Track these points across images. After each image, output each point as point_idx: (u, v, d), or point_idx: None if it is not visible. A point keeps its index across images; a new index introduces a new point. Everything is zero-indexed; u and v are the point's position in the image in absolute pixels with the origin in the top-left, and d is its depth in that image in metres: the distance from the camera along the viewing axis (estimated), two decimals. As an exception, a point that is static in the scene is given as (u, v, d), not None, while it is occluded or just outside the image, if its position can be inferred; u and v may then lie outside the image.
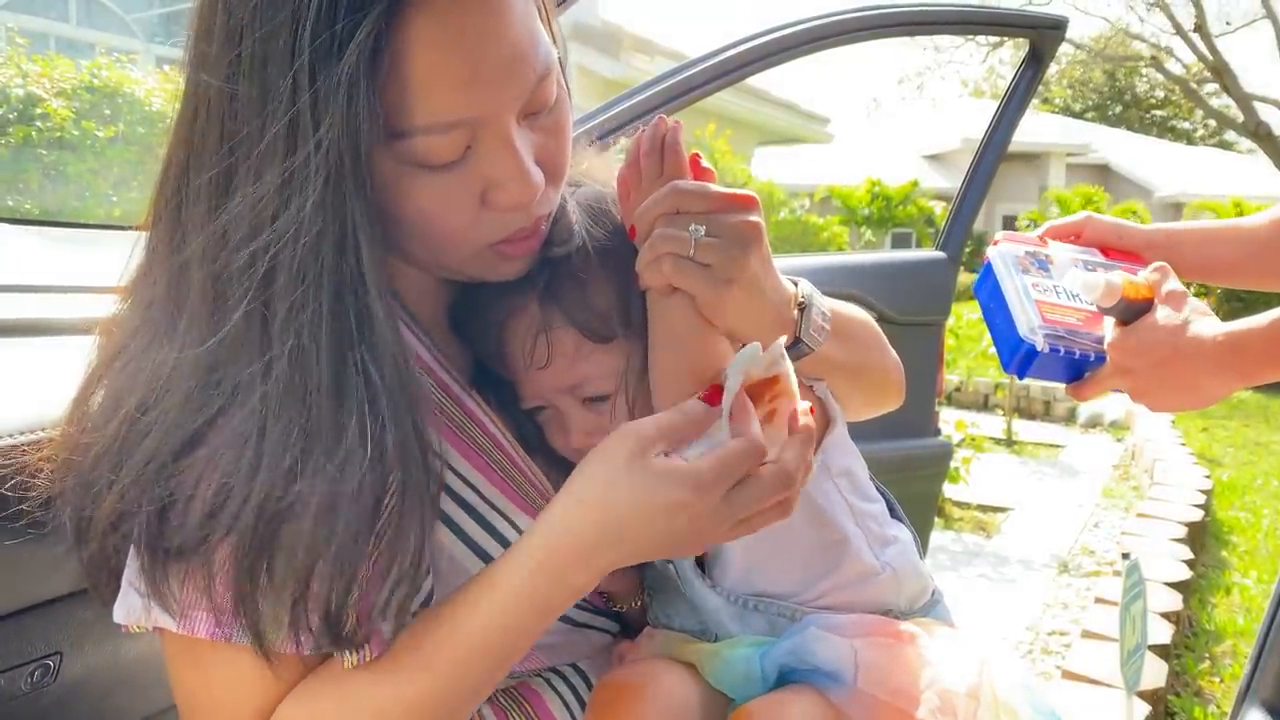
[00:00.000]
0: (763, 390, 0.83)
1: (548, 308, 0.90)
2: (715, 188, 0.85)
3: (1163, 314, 1.11)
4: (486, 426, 0.92)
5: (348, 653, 0.76)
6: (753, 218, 0.86)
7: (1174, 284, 1.14)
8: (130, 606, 0.78)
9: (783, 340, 0.84)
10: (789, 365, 0.83)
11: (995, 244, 1.28)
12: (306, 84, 0.68)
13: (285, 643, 0.74)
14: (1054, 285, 1.23)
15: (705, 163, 0.90)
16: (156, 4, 9.73)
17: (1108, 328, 1.17)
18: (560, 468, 0.95)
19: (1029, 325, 1.15)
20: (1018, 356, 1.16)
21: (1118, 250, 1.32)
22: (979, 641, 1.00)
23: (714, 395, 0.81)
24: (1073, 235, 1.34)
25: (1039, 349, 1.14)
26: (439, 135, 0.74)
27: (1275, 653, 1.05)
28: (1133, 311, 1.13)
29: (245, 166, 0.71)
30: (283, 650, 0.74)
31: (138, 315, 0.79)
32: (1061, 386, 1.22)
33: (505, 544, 0.88)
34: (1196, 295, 1.13)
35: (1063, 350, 1.15)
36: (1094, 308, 1.21)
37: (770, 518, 0.80)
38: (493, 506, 0.89)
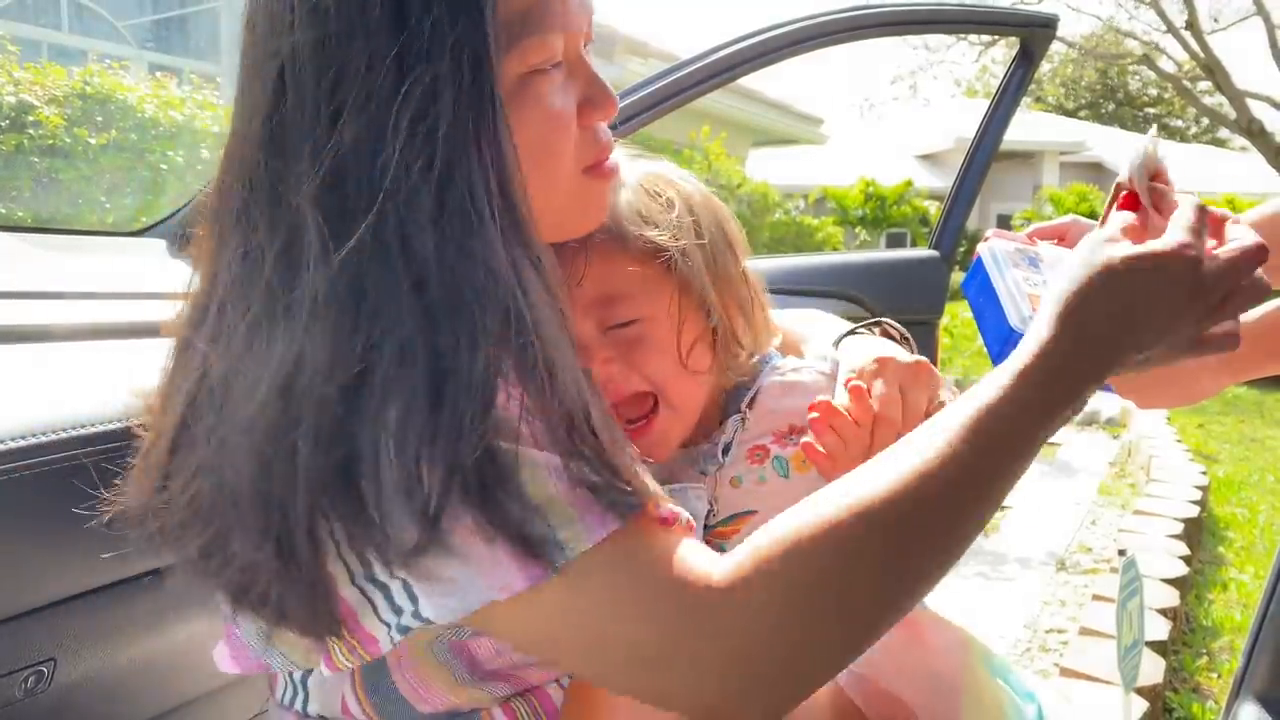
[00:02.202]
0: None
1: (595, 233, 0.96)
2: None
3: None
4: None
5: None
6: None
7: None
8: (513, 567, 0.70)
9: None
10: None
11: (986, 240, 1.28)
12: None
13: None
14: (1044, 281, 1.23)
15: None
16: (149, 10, 9.72)
17: None
18: None
19: (1020, 316, 1.15)
20: (1008, 347, 1.16)
21: None
22: (960, 625, 1.02)
23: (1130, 202, 0.90)
24: (1057, 237, 1.35)
25: None
26: (551, 34, 0.78)
27: (1268, 645, 1.05)
28: None
29: (362, 96, 0.69)
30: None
31: (234, 295, 0.75)
32: None
33: None
34: None
35: None
36: None
37: (1239, 305, 0.81)
38: None
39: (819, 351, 1.10)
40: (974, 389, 0.76)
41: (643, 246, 0.97)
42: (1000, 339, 1.17)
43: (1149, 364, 0.81)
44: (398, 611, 0.73)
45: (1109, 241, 0.81)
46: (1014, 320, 1.16)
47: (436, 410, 0.67)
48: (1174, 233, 0.80)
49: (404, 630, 0.73)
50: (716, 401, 1.09)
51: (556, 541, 0.69)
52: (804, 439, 0.97)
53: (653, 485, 0.75)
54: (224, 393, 0.73)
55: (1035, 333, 0.79)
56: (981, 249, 1.26)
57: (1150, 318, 0.78)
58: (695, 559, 0.72)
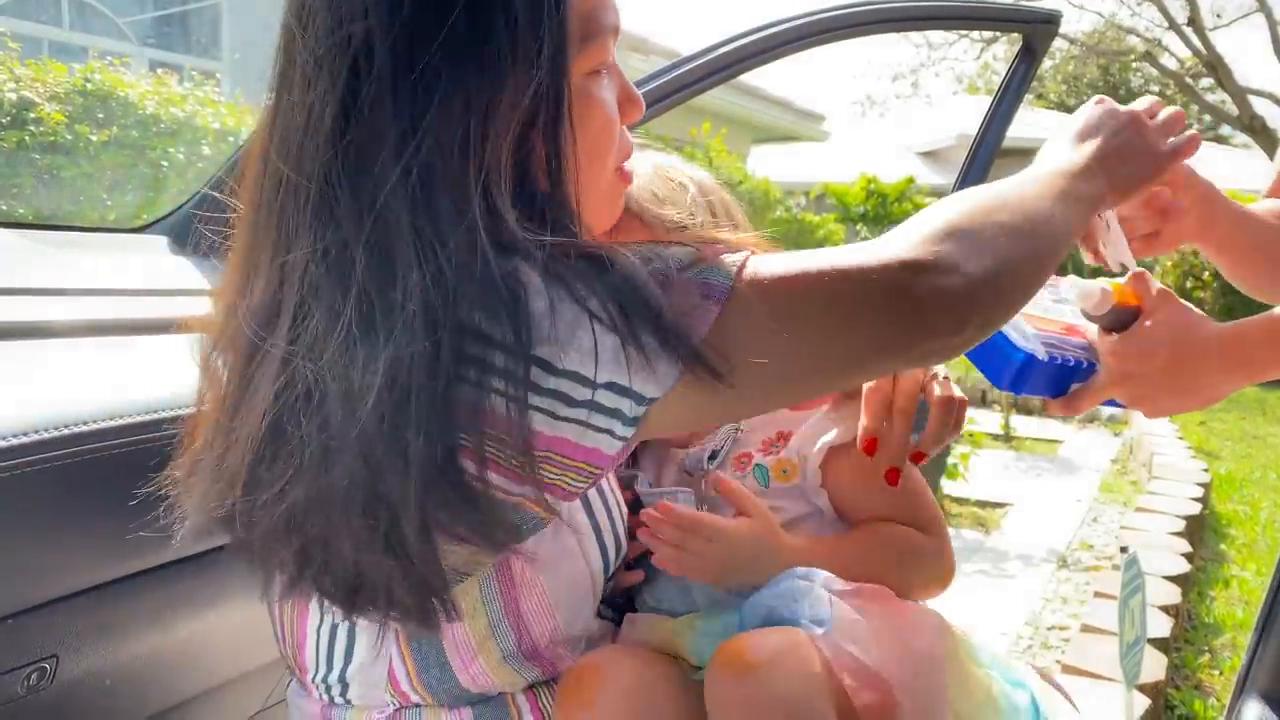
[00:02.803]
0: None
1: None
2: None
3: (1159, 316, 1.11)
4: None
5: None
6: None
7: (1158, 284, 1.14)
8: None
9: None
10: None
11: None
12: None
13: None
14: (1034, 299, 1.22)
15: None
16: (150, 8, 9.72)
17: (1090, 332, 1.17)
18: None
19: (1023, 336, 1.14)
20: (1014, 367, 1.13)
21: None
22: (935, 610, 1.03)
23: None
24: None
25: (1040, 358, 1.11)
26: (606, 36, 0.83)
27: (1272, 643, 1.05)
28: (1122, 319, 1.13)
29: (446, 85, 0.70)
30: None
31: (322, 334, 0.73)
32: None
33: (614, 527, 0.98)
34: (1193, 290, 1.13)
35: (1059, 359, 1.13)
36: (1074, 318, 1.20)
37: None
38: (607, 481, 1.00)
39: None
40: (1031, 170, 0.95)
41: (664, 225, 1.03)
42: (1003, 360, 1.15)
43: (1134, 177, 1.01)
44: (613, 414, 0.74)
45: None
46: (1018, 340, 1.14)
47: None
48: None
49: (632, 422, 0.74)
50: None
51: (726, 271, 0.74)
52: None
53: None
54: (321, 400, 0.71)
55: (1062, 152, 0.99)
56: None
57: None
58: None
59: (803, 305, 0.74)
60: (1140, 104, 1.06)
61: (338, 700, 0.94)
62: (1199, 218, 1.19)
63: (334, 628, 0.91)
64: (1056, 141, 1.01)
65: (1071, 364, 1.14)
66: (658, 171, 1.09)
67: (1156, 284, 1.14)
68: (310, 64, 0.72)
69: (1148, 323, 1.11)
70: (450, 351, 0.69)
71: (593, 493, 0.96)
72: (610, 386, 0.72)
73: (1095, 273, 1.26)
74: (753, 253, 0.77)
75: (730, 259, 0.75)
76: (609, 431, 0.74)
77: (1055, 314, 1.21)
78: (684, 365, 0.72)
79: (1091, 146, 0.98)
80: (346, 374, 0.70)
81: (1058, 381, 1.16)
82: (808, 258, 0.76)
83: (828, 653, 0.87)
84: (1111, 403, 1.19)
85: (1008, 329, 1.15)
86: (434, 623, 0.77)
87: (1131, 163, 0.99)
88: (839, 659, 0.87)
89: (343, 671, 0.92)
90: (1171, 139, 1.05)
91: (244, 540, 0.80)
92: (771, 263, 0.76)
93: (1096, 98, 1.06)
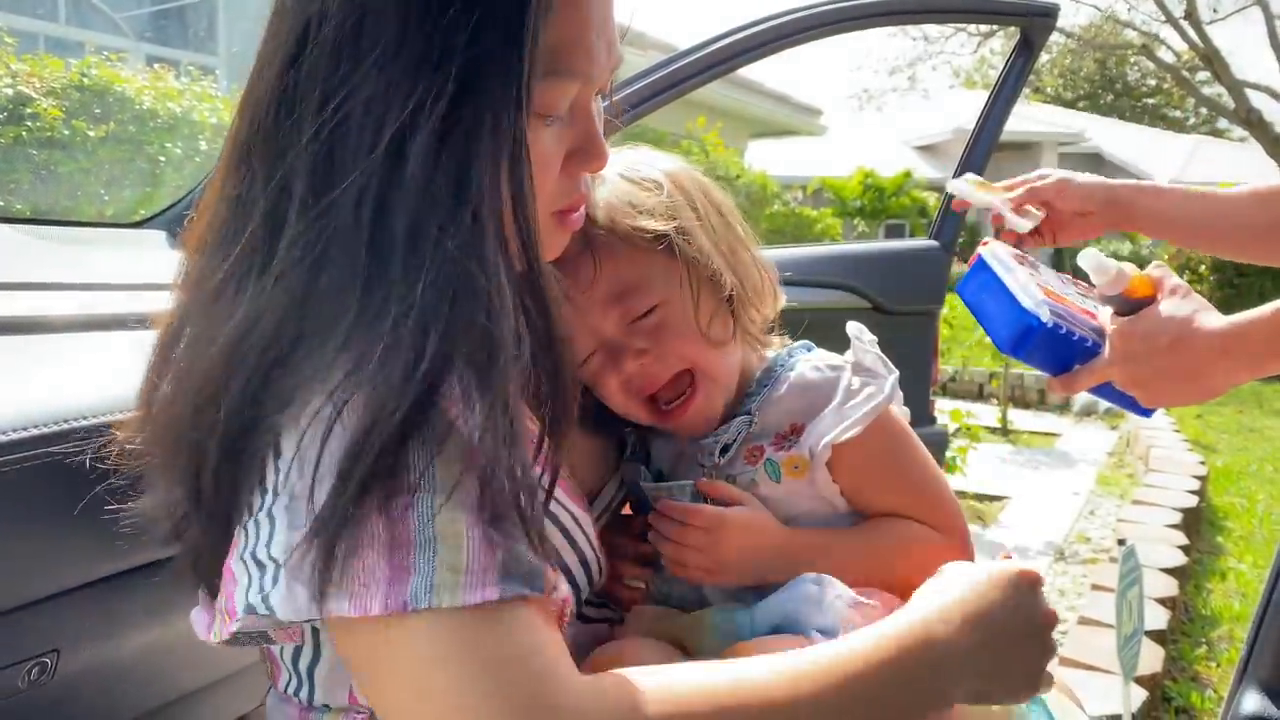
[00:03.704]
0: None
1: (589, 231, 0.97)
2: None
3: (1169, 304, 1.12)
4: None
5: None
6: None
7: (1176, 280, 1.15)
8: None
9: None
10: None
11: (985, 244, 1.29)
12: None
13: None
14: (1046, 281, 1.24)
15: None
16: (146, 3, 9.69)
17: (1105, 321, 1.18)
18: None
19: (1033, 300, 1.15)
20: (1017, 330, 1.15)
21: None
22: None
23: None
24: (1045, 200, 1.39)
25: (1044, 321, 1.13)
26: (569, 81, 0.78)
27: (1271, 634, 1.05)
28: (1132, 306, 1.13)
29: (375, 91, 0.69)
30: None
31: (211, 272, 0.76)
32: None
33: (570, 540, 0.94)
34: (1190, 284, 1.14)
35: (1064, 328, 1.14)
36: (1086, 304, 1.22)
37: None
38: (557, 501, 0.92)
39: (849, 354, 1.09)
40: (855, 639, 0.78)
41: (642, 235, 0.98)
42: (1011, 323, 1.17)
43: (1002, 686, 0.83)
44: (263, 593, 0.69)
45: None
46: (1027, 304, 1.15)
47: (368, 405, 0.66)
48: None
49: (249, 610, 0.70)
50: (748, 376, 1.09)
51: (430, 583, 0.65)
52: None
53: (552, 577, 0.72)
54: (185, 338, 0.77)
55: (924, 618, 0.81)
56: (983, 252, 1.27)
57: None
58: (557, 665, 0.68)
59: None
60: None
61: (315, 704, 0.89)
62: (1106, 217, 1.38)
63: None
64: (927, 612, 0.81)
65: (1075, 338, 1.15)
66: (626, 174, 1.03)
67: (1175, 279, 1.15)
68: (275, 19, 0.75)
69: (1156, 308, 1.12)
70: (297, 329, 0.70)
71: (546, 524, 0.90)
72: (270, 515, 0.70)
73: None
74: None
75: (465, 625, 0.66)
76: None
77: (1075, 299, 1.22)
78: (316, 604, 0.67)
79: (967, 653, 0.79)
80: (210, 322, 0.73)
81: (1060, 355, 1.17)
82: (490, 670, 0.66)
83: None
84: (1108, 393, 1.19)
85: (1017, 291, 1.17)
86: (210, 585, 0.79)
87: (1014, 671, 0.82)
88: None
89: (310, 672, 0.88)
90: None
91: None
92: (459, 660, 0.66)
93: (1019, 579, 0.85)
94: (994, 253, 1.26)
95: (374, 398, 0.66)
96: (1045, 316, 1.13)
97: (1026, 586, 0.83)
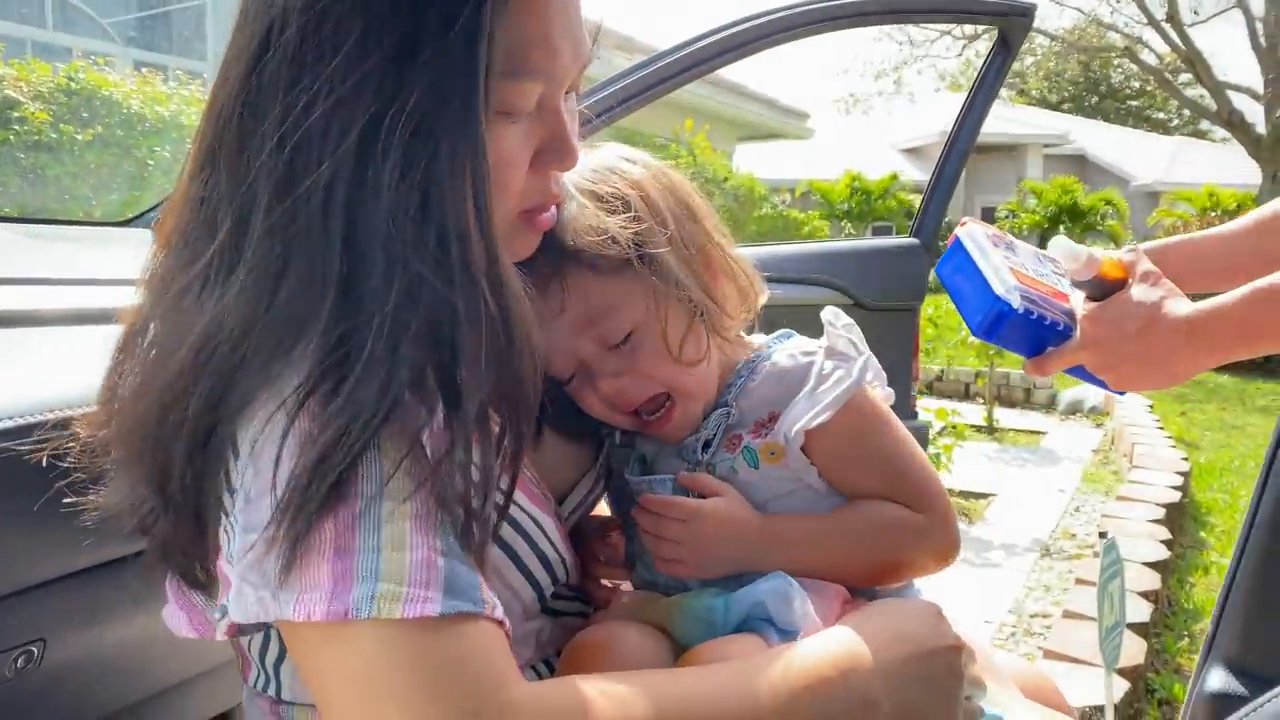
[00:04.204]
0: None
1: (557, 255, 0.95)
2: None
3: (1139, 290, 1.13)
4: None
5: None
6: None
7: (1148, 265, 1.16)
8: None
9: None
10: None
11: (963, 225, 1.30)
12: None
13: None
14: (1021, 263, 1.25)
15: None
16: (134, 8, 9.67)
17: (1078, 303, 1.20)
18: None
19: (1004, 285, 1.16)
20: (989, 316, 1.16)
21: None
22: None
23: None
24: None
25: (1014, 307, 1.14)
26: (531, 81, 0.78)
27: (1235, 612, 1.08)
28: (1104, 290, 1.15)
29: (339, 95, 0.70)
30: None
31: (178, 273, 0.78)
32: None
33: (530, 542, 0.93)
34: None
35: (1035, 313, 1.16)
36: (1060, 285, 1.23)
37: None
38: (515, 504, 0.92)
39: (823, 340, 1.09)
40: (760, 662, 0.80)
41: (609, 262, 0.96)
42: (983, 309, 1.19)
43: None
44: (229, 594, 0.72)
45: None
46: (998, 289, 1.16)
47: (325, 411, 0.67)
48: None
49: (223, 610, 0.73)
50: (730, 369, 1.10)
51: (372, 594, 0.65)
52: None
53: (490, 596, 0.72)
54: (150, 342, 0.78)
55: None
56: (960, 232, 1.28)
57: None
58: (503, 672, 0.68)
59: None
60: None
61: (284, 699, 0.90)
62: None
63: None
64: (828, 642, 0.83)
65: (1047, 322, 1.16)
66: (593, 189, 0.99)
67: (1147, 264, 1.16)
68: (240, 22, 0.76)
69: (1126, 293, 1.13)
70: (259, 333, 0.71)
71: (505, 526, 0.90)
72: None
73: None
74: None
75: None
76: None
77: (1051, 280, 1.24)
78: (262, 608, 0.68)
79: (886, 676, 0.81)
80: (176, 325, 0.75)
81: (1033, 339, 1.19)
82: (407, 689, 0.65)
83: None
84: (1082, 374, 1.22)
85: (989, 275, 1.18)
86: (194, 578, 0.80)
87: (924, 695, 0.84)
88: None
89: (276, 668, 0.88)
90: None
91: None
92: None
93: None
94: (970, 234, 1.27)
95: (331, 403, 0.67)
96: (1016, 302, 1.15)
97: (933, 616, 0.88)
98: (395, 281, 0.69)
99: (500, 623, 0.71)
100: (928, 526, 1.03)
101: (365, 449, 0.67)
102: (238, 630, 0.76)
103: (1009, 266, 1.20)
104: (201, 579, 0.82)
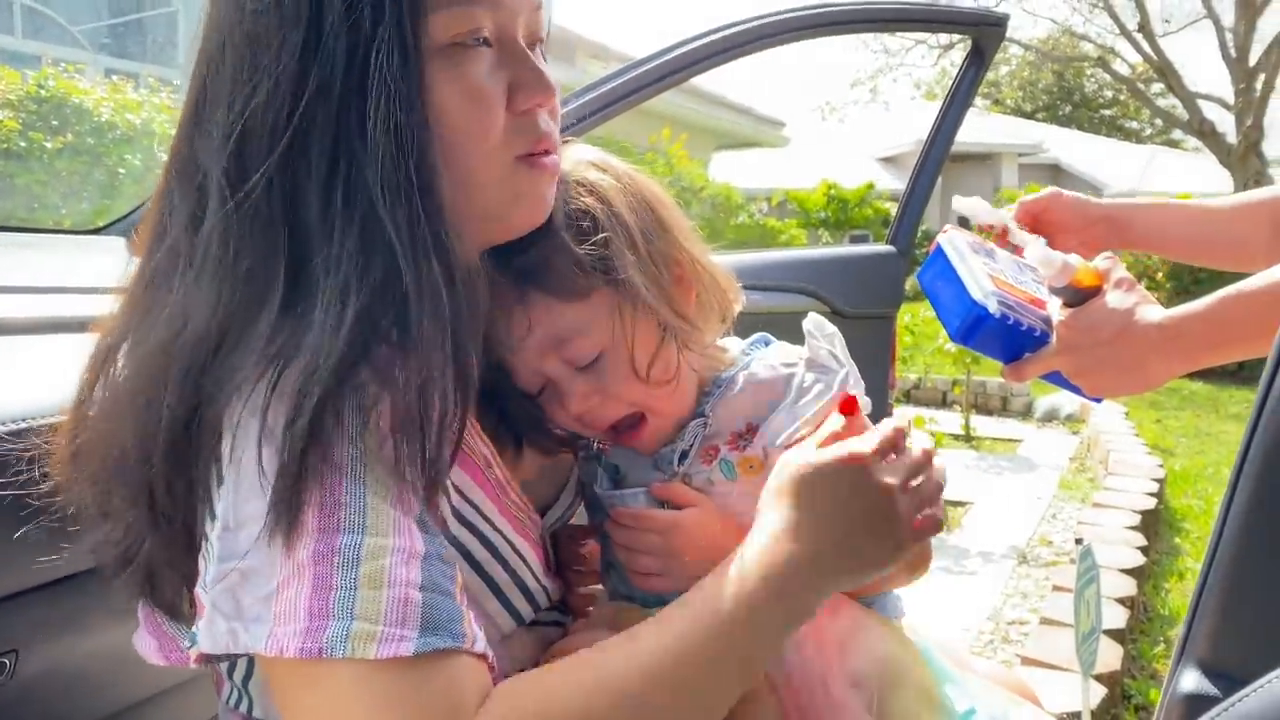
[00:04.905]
0: None
1: (520, 280, 0.94)
2: None
3: (1113, 297, 1.15)
4: (479, 447, 0.93)
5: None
6: None
7: (1123, 272, 1.18)
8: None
9: None
10: None
11: (944, 232, 1.32)
12: None
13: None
14: (1001, 270, 1.27)
15: None
16: (105, 15, 9.61)
17: (1054, 309, 1.21)
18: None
19: (982, 291, 1.18)
20: (967, 321, 1.18)
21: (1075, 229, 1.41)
22: (902, 629, 1.03)
23: (848, 406, 0.92)
24: (1039, 210, 1.40)
25: (991, 312, 1.16)
26: (480, 9, 0.78)
27: (1207, 614, 1.08)
28: (1080, 297, 1.17)
29: (269, 78, 0.72)
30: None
31: (149, 279, 0.80)
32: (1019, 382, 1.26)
33: (511, 572, 0.92)
34: (1147, 289, 1.17)
35: (1011, 319, 1.17)
36: (1039, 292, 1.25)
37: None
38: (498, 532, 0.92)
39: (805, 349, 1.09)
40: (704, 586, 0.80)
41: (576, 285, 0.95)
42: (961, 314, 1.20)
43: (866, 568, 0.83)
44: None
45: (805, 453, 0.86)
46: (976, 294, 1.18)
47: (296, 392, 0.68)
48: (853, 444, 0.85)
49: (193, 640, 0.73)
50: (707, 379, 1.09)
51: (347, 631, 0.65)
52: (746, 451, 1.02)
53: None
54: (118, 351, 0.78)
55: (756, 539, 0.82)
56: (941, 239, 1.30)
57: (839, 523, 0.81)
58: (468, 705, 0.68)
59: None
60: (875, 441, 0.85)
61: (255, 717, 0.89)
62: (1104, 236, 1.39)
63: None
64: (762, 530, 0.82)
65: (1023, 328, 1.18)
66: (559, 210, 0.95)
67: (1122, 271, 1.18)
68: (199, 43, 0.80)
69: (1101, 300, 1.15)
70: (218, 324, 0.72)
71: (484, 554, 0.90)
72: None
73: None
74: None
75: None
76: None
77: (1029, 288, 1.25)
78: (232, 639, 0.70)
79: (811, 542, 0.79)
80: (142, 327, 0.76)
81: (1010, 345, 1.21)
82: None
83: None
84: (1058, 380, 1.23)
85: (968, 281, 1.20)
86: (178, 610, 0.80)
87: (867, 552, 0.82)
88: (784, 672, 0.90)
89: (245, 684, 0.88)
90: (922, 512, 0.85)
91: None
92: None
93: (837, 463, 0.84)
94: (951, 241, 1.28)
95: (286, 384, 0.68)
96: (993, 308, 1.16)
97: (853, 470, 0.83)
98: (334, 250, 0.71)
99: (482, 655, 0.71)
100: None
101: (338, 475, 0.68)
102: (206, 659, 0.75)
103: (988, 273, 1.22)
104: (185, 611, 0.80)
